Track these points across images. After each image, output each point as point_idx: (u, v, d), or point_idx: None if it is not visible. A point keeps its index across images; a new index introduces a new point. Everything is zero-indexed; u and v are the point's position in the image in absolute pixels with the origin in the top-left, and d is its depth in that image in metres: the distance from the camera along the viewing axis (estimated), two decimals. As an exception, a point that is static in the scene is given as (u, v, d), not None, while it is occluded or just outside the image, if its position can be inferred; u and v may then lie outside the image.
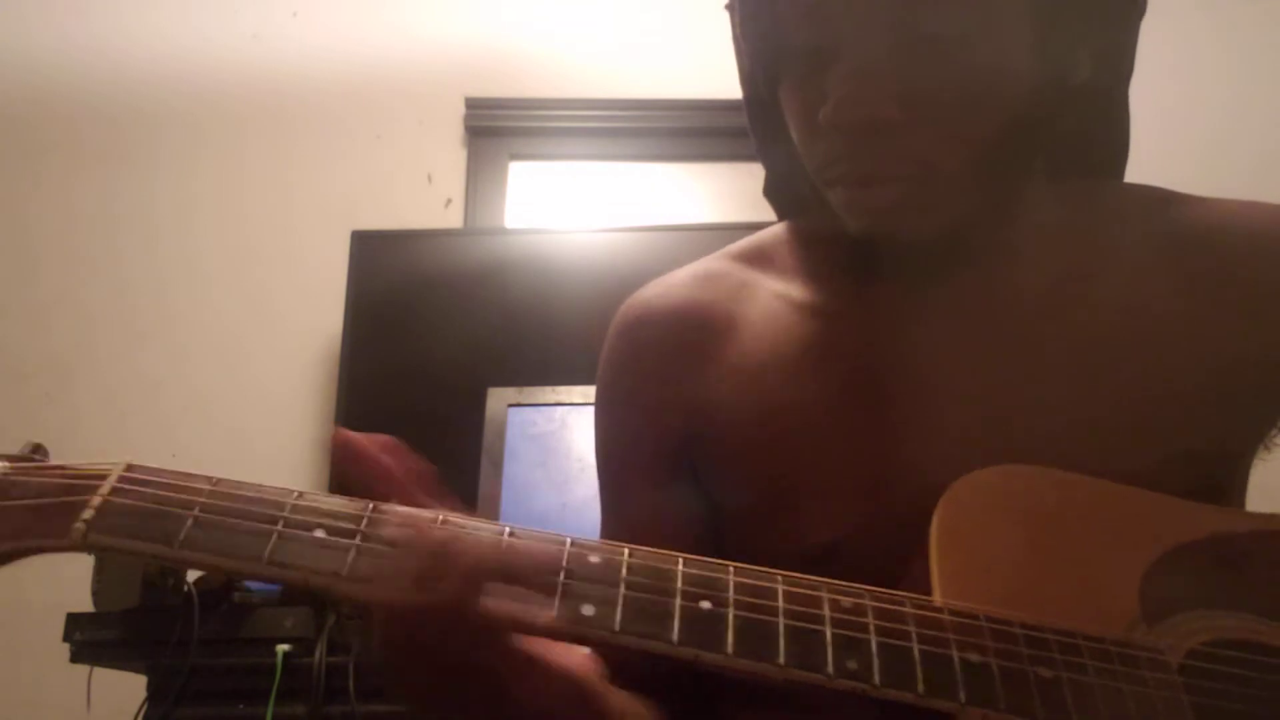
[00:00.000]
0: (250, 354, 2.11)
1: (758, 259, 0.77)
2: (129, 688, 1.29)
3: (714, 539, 0.72)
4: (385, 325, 1.98)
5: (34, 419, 2.03)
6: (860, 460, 0.66)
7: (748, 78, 0.73)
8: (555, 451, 1.67)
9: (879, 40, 0.61)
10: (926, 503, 0.59)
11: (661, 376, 0.74)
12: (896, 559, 0.60)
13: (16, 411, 2.04)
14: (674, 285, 0.77)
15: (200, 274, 2.17)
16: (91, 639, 1.26)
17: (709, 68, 2.27)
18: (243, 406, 2.07)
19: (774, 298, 0.73)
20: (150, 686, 1.27)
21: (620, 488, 0.76)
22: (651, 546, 0.71)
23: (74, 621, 1.26)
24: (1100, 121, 0.73)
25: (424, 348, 1.96)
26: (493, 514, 1.61)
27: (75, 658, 1.27)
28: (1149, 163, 0.82)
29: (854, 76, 0.61)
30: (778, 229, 0.79)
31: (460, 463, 1.68)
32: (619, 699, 0.61)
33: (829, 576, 0.61)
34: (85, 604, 1.28)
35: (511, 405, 1.72)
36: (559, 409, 1.70)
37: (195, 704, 1.24)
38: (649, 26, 2.37)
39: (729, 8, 0.70)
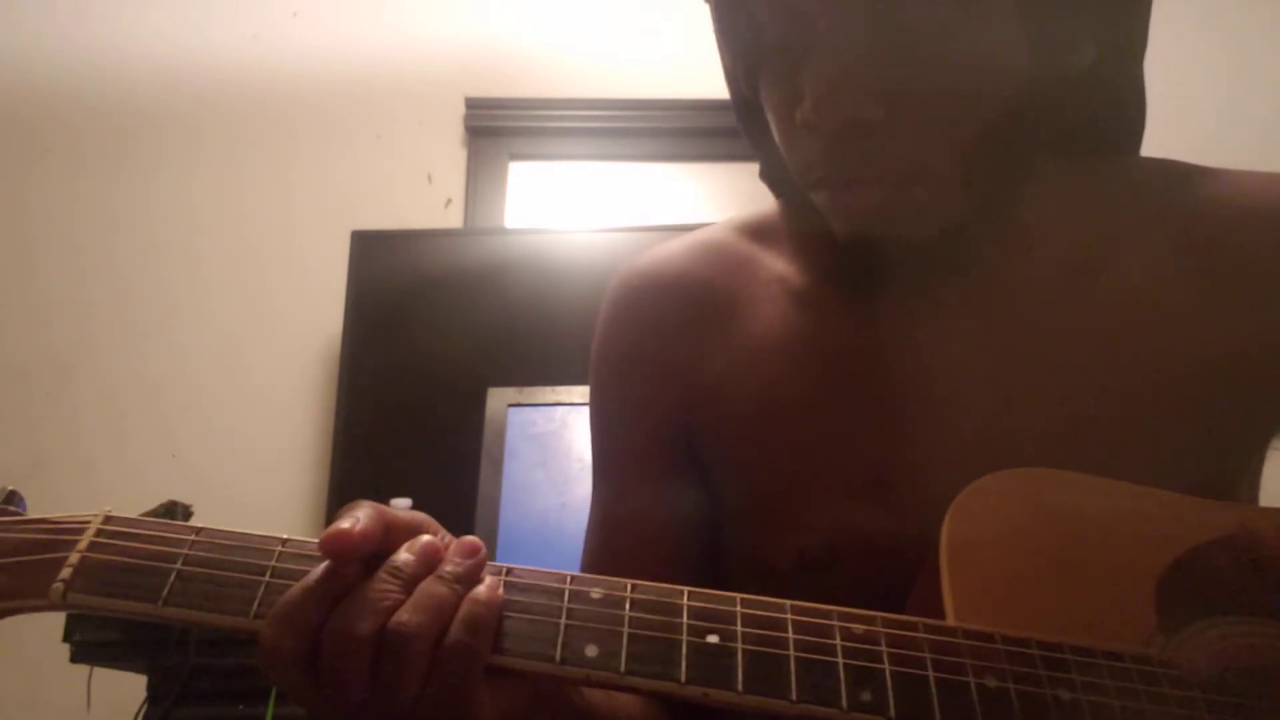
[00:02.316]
0: (250, 354, 2.11)
1: (760, 235, 0.74)
2: (129, 688, 1.29)
3: (708, 537, 0.71)
4: (385, 325, 1.98)
5: (34, 419, 2.04)
6: (858, 458, 0.64)
7: (730, 75, 0.71)
8: (555, 451, 1.67)
9: (855, 34, 0.57)
10: (928, 505, 0.57)
11: (659, 352, 0.72)
12: (899, 564, 0.58)
13: (16, 411, 2.04)
14: (675, 255, 0.74)
15: (200, 274, 2.17)
16: (91, 639, 1.26)
17: (709, 68, 2.26)
18: (243, 406, 2.07)
19: (775, 280, 0.71)
20: (150, 686, 1.26)
21: (615, 469, 0.74)
22: (640, 536, 0.70)
23: (74, 621, 1.26)
24: (1111, 100, 0.69)
25: (424, 348, 1.96)
26: (493, 514, 1.61)
27: (75, 658, 1.27)
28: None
29: (830, 74, 0.57)
30: (778, 207, 0.76)
31: (460, 463, 1.68)
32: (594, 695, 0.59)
33: (829, 582, 0.60)
34: (85, 604, 1.28)
35: (511, 405, 1.72)
36: (559, 409, 1.70)
37: (195, 704, 1.24)
38: (649, 26, 2.37)
39: (708, 0, 0.66)
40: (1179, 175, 0.69)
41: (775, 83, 0.62)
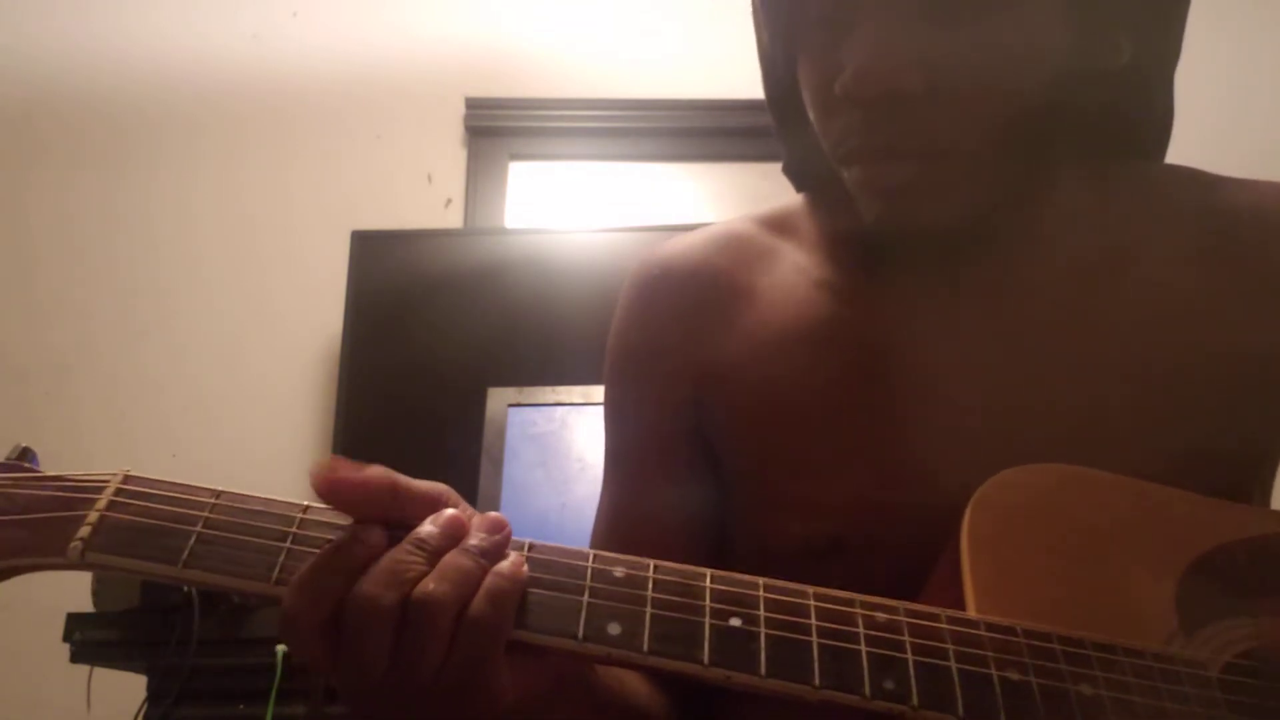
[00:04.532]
0: (250, 354, 2.11)
1: (782, 227, 0.75)
2: (129, 688, 1.29)
3: (719, 532, 0.71)
4: (385, 325, 1.98)
5: (34, 419, 2.03)
6: (869, 446, 0.64)
7: (766, 55, 0.71)
8: (555, 451, 1.67)
9: (898, 9, 0.58)
10: (938, 497, 0.57)
11: (676, 344, 0.72)
12: (907, 555, 0.58)
13: (16, 411, 2.03)
14: (695, 245, 0.75)
15: (200, 274, 2.17)
16: (91, 639, 1.26)
17: (709, 68, 2.27)
18: (243, 406, 2.07)
19: (795, 270, 0.71)
20: (150, 686, 1.26)
21: (628, 462, 0.74)
22: (651, 533, 0.70)
23: (74, 621, 1.26)
24: (1141, 104, 0.70)
25: (424, 348, 1.96)
26: (493, 514, 1.61)
27: (75, 658, 1.27)
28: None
29: (872, 46, 0.58)
30: (799, 201, 0.77)
31: (460, 463, 1.68)
32: (610, 678, 0.59)
33: (835, 571, 0.60)
34: (85, 604, 1.28)
35: (511, 405, 1.72)
36: (559, 409, 1.70)
37: (195, 704, 1.24)
38: (649, 26, 2.37)
39: None
40: (1202, 182, 0.70)
41: (816, 57, 0.63)
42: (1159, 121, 0.72)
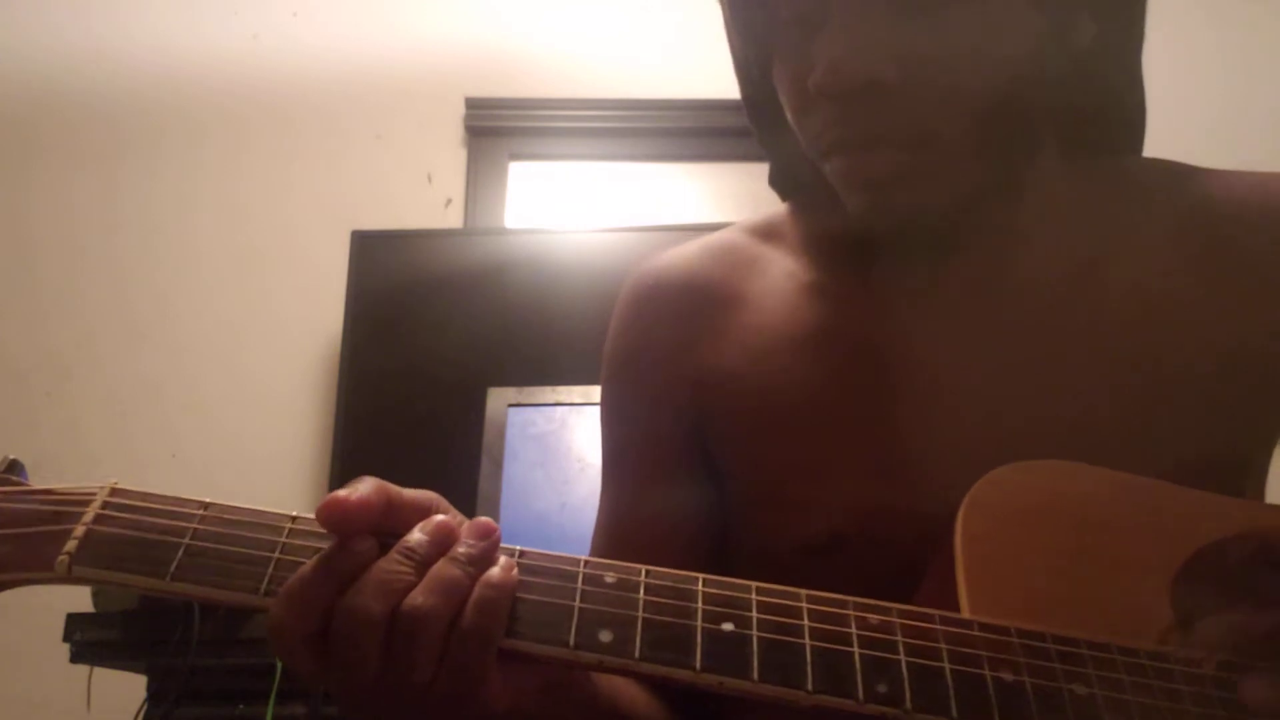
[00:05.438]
0: (250, 354, 2.11)
1: (769, 235, 0.76)
2: (129, 688, 1.29)
3: (718, 538, 0.72)
4: (385, 325, 1.98)
5: (34, 419, 2.03)
6: (864, 446, 0.65)
7: (741, 65, 0.72)
8: (555, 451, 1.67)
9: (866, 2, 0.59)
10: (933, 494, 0.57)
11: (671, 352, 0.72)
12: (904, 555, 0.59)
13: (16, 411, 2.03)
14: (685, 257, 0.76)
15: (200, 274, 2.17)
16: (91, 639, 1.26)
17: (709, 68, 2.26)
18: (243, 406, 2.07)
19: (784, 275, 0.72)
20: (150, 686, 1.26)
21: (625, 470, 0.75)
22: (650, 540, 0.71)
23: (74, 621, 1.26)
24: (1111, 94, 0.71)
25: (424, 348, 1.96)
26: (493, 514, 1.60)
27: (75, 658, 1.27)
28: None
29: (842, 40, 0.59)
30: (785, 209, 0.78)
31: (460, 463, 1.68)
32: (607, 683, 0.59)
33: (835, 568, 0.60)
34: (85, 604, 1.28)
35: (511, 405, 1.72)
36: (559, 409, 1.70)
37: (195, 704, 1.24)
38: (649, 26, 2.37)
39: None
40: (1180, 174, 0.71)
41: (789, 57, 0.63)
42: (1132, 114, 0.72)
